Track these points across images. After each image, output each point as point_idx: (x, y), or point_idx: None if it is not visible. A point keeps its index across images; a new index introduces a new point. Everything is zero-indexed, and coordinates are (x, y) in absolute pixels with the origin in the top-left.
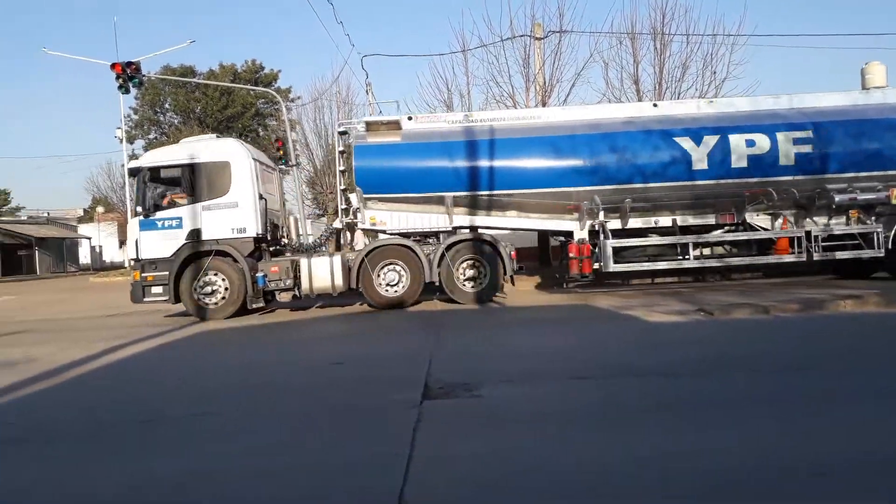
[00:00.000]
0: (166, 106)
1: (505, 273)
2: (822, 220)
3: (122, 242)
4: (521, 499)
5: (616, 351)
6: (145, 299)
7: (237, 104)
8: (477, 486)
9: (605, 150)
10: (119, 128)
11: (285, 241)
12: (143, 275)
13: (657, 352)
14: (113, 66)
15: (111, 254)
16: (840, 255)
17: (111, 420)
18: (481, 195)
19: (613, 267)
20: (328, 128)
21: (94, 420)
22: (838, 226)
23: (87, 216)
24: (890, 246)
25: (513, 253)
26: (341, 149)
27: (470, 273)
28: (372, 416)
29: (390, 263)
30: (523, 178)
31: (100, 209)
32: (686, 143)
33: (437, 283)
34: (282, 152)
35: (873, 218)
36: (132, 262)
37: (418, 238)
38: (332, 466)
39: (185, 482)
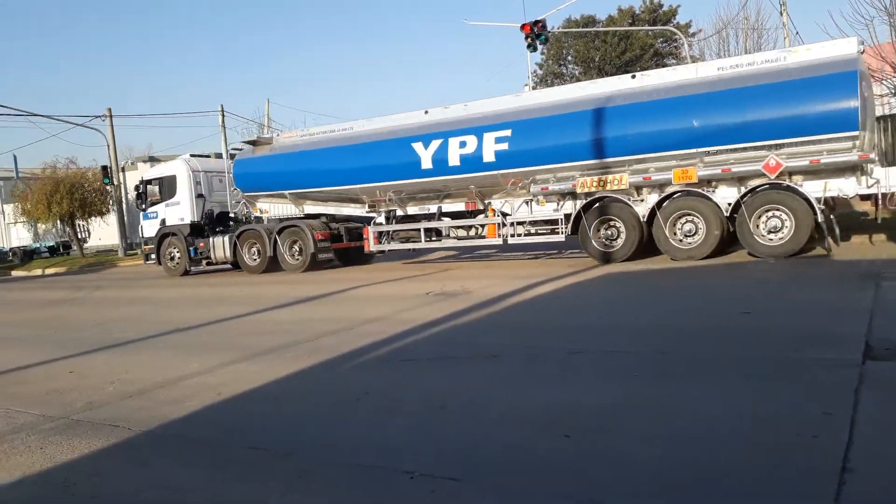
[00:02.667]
0: (568, 58)
1: (313, 249)
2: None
3: None
4: None
5: None
6: (147, 262)
7: (635, 47)
8: None
9: (374, 153)
10: (526, 84)
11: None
12: (144, 247)
13: None
14: (522, 26)
15: None
16: (530, 240)
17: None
18: (305, 191)
19: (373, 248)
20: None
21: (527, 345)
22: (539, 212)
23: None
24: (570, 231)
25: (317, 234)
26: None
27: (296, 249)
28: (799, 370)
29: (255, 243)
30: (326, 179)
31: None
32: (418, 147)
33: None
34: None
35: (564, 205)
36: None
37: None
38: (761, 419)
39: (614, 410)
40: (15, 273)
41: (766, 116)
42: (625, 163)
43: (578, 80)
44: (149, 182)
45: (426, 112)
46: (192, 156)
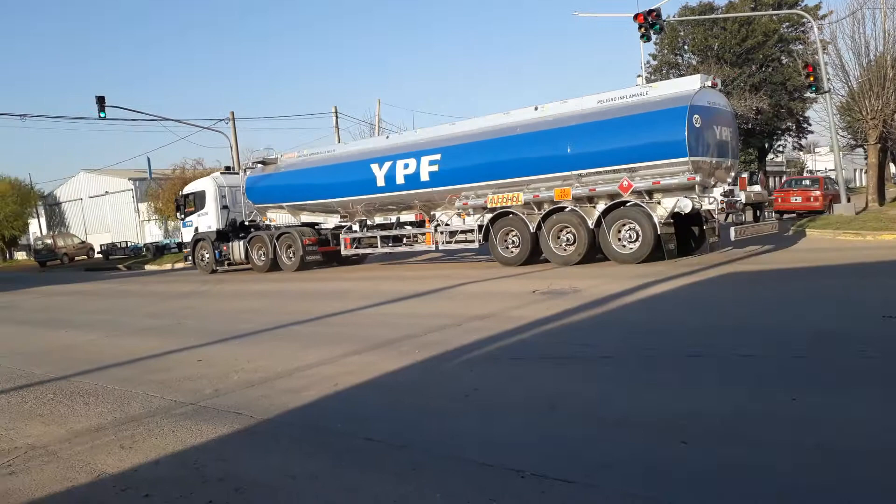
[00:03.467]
0: (684, 47)
1: (302, 252)
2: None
3: None
4: None
5: None
6: (185, 262)
7: (757, 34)
8: None
9: (344, 172)
10: (639, 75)
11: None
12: (184, 250)
13: None
14: (636, 17)
15: None
16: (453, 246)
17: (660, 349)
18: (298, 204)
19: (345, 252)
20: (869, 43)
21: (641, 347)
22: (460, 224)
23: None
24: (482, 239)
25: (305, 240)
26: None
27: (290, 252)
28: None
29: (261, 247)
30: (311, 193)
31: None
32: (374, 167)
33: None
34: (812, 78)
35: (482, 217)
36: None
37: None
38: None
39: (736, 420)
40: (148, 267)
41: (621, 145)
42: (523, 183)
43: (696, 70)
44: (185, 196)
45: (387, 137)
46: (221, 173)
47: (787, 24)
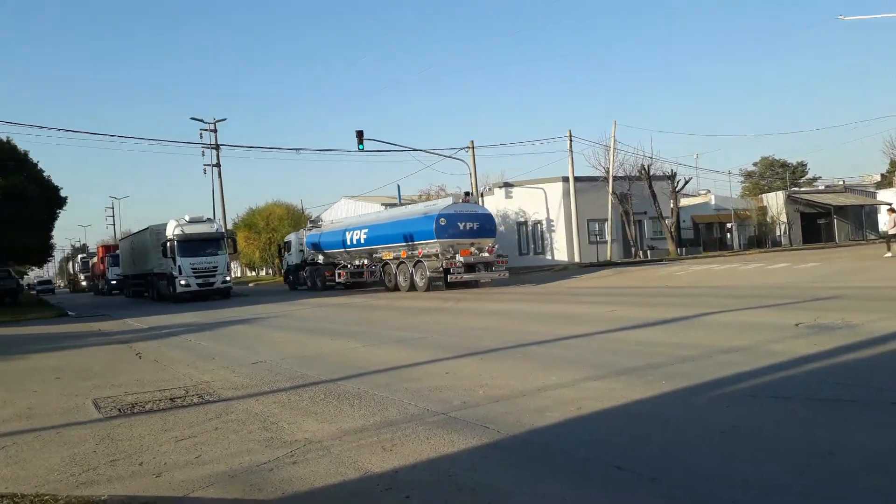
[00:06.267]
0: None
1: (322, 279)
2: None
3: None
4: None
5: None
6: (286, 283)
7: None
8: None
9: (336, 235)
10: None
11: None
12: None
13: None
14: None
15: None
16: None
17: None
18: (325, 252)
19: (341, 280)
20: None
21: None
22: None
23: (886, 181)
24: (405, 281)
25: (326, 273)
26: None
27: (318, 279)
28: None
29: (307, 276)
30: (327, 246)
31: None
32: (347, 233)
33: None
34: None
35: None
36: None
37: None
38: None
39: None
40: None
41: (408, 230)
42: (389, 248)
43: None
44: (285, 243)
45: (359, 216)
46: (306, 228)
47: None
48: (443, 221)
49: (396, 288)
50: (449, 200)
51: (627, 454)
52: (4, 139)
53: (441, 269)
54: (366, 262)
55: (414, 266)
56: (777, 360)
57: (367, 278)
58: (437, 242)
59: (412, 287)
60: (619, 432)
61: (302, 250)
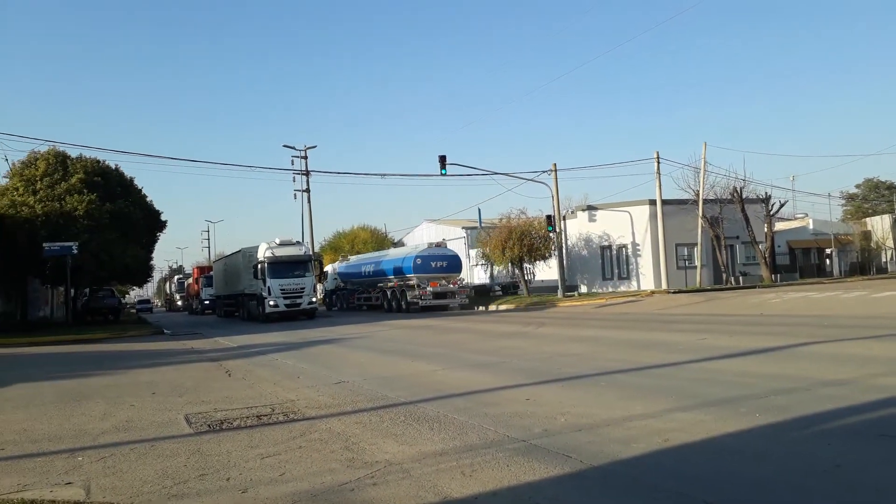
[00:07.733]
0: None
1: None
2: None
3: None
4: None
5: None
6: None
7: None
8: None
9: (353, 267)
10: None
11: None
12: (320, 297)
13: None
14: None
15: None
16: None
17: None
18: (348, 280)
19: (355, 302)
20: None
21: None
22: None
23: None
24: (395, 304)
25: (352, 297)
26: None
27: (344, 301)
28: None
29: (337, 299)
30: (347, 276)
31: None
32: (361, 266)
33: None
34: None
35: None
36: None
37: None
38: None
39: None
40: (478, 308)
41: (398, 266)
42: (387, 279)
43: None
44: (324, 272)
45: (370, 254)
46: (339, 262)
47: None
48: (418, 261)
49: (390, 309)
50: (424, 245)
51: (718, 490)
52: (113, 167)
53: (417, 296)
54: (371, 289)
55: (401, 293)
56: (884, 395)
57: (374, 302)
58: (415, 276)
59: (399, 309)
60: (709, 467)
61: (336, 278)
